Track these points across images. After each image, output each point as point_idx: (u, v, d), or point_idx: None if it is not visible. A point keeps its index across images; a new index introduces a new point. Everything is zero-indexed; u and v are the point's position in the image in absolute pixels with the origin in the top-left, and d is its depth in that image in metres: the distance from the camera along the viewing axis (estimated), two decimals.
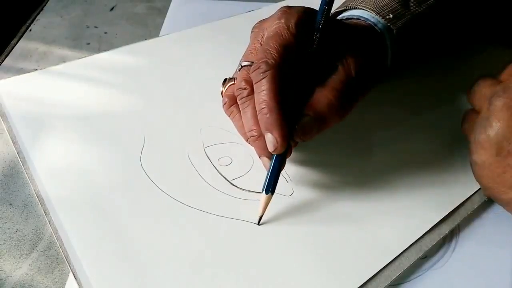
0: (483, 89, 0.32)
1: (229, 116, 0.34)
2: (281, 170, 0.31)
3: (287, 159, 0.32)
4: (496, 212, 0.33)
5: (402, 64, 0.40)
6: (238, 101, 0.33)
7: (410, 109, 0.40)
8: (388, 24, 0.36)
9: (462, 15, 0.42)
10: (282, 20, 0.32)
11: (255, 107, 0.31)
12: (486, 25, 0.47)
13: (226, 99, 0.34)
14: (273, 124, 0.29)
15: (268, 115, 0.29)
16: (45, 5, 0.55)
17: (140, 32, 0.52)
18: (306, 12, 0.33)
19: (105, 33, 0.52)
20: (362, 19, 0.37)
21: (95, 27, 0.52)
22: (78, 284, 0.27)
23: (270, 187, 0.31)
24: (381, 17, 0.37)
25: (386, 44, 0.37)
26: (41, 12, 0.54)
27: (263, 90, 0.30)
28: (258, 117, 0.30)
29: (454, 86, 0.42)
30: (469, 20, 0.44)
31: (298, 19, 0.32)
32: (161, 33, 0.50)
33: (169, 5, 0.55)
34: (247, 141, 0.32)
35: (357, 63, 0.33)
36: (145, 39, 0.48)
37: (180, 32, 0.49)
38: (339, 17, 0.39)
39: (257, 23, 0.35)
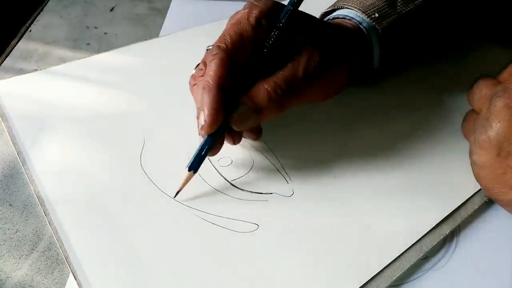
0: (483, 90, 0.32)
1: (192, 95, 0.35)
2: (208, 152, 0.32)
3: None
4: (496, 213, 0.33)
5: (392, 63, 0.40)
6: (196, 80, 0.34)
7: (410, 109, 0.40)
8: (374, 23, 0.37)
9: (454, 14, 0.42)
10: (246, 10, 0.33)
11: None
12: (486, 25, 0.47)
13: (191, 79, 0.35)
14: (206, 103, 0.30)
15: (205, 94, 0.30)
16: (45, 6, 0.55)
17: (140, 32, 0.52)
18: (272, 6, 0.33)
19: (105, 33, 0.52)
20: (347, 18, 0.37)
21: (95, 27, 0.52)
22: (78, 285, 0.27)
23: (194, 165, 0.31)
24: (366, 16, 0.37)
25: (371, 43, 0.37)
26: (41, 13, 0.54)
27: (209, 72, 0.31)
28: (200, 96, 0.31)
29: (454, 86, 0.42)
30: (463, 20, 0.43)
31: (261, 11, 0.32)
32: (161, 33, 0.50)
33: (169, 6, 0.55)
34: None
35: (309, 63, 0.33)
36: (145, 40, 0.48)
37: (180, 32, 0.49)
38: (328, 17, 0.40)
39: (233, 14, 0.36)
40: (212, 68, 0.31)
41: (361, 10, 0.37)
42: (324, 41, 0.34)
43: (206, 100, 0.30)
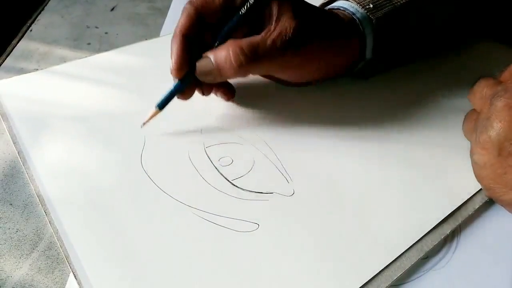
0: (484, 89, 0.32)
1: None
2: (176, 93, 0.35)
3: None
4: (497, 213, 0.33)
5: (386, 55, 0.40)
6: None
7: (411, 109, 0.40)
8: (368, 14, 0.37)
9: (451, 8, 0.42)
10: None
11: None
12: (487, 23, 0.47)
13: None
14: (172, 49, 0.34)
15: (172, 42, 0.35)
16: (45, 5, 0.56)
17: (141, 32, 0.52)
18: None
19: (106, 33, 0.52)
20: (341, 9, 0.38)
21: (96, 27, 0.52)
22: (79, 284, 0.27)
23: (162, 103, 0.35)
24: (360, 7, 0.37)
25: (363, 33, 0.37)
26: (41, 12, 0.54)
27: (178, 23, 0.35)
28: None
29: (455, 86, 0.42)
30: (461, 15, 0.43)
31: None
32: (161, 33, 0.50)
33: (169, 5, 0.55)
34: None
35: (282, 33, 0.33)
36: (146, 39, 0.48)
37: None
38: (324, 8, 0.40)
39: None
40: (180, 20, 0.34)
41: (355, 1, 0.38)
42: (304, 16, 0.35)
43: (173, 46, 0.34)
